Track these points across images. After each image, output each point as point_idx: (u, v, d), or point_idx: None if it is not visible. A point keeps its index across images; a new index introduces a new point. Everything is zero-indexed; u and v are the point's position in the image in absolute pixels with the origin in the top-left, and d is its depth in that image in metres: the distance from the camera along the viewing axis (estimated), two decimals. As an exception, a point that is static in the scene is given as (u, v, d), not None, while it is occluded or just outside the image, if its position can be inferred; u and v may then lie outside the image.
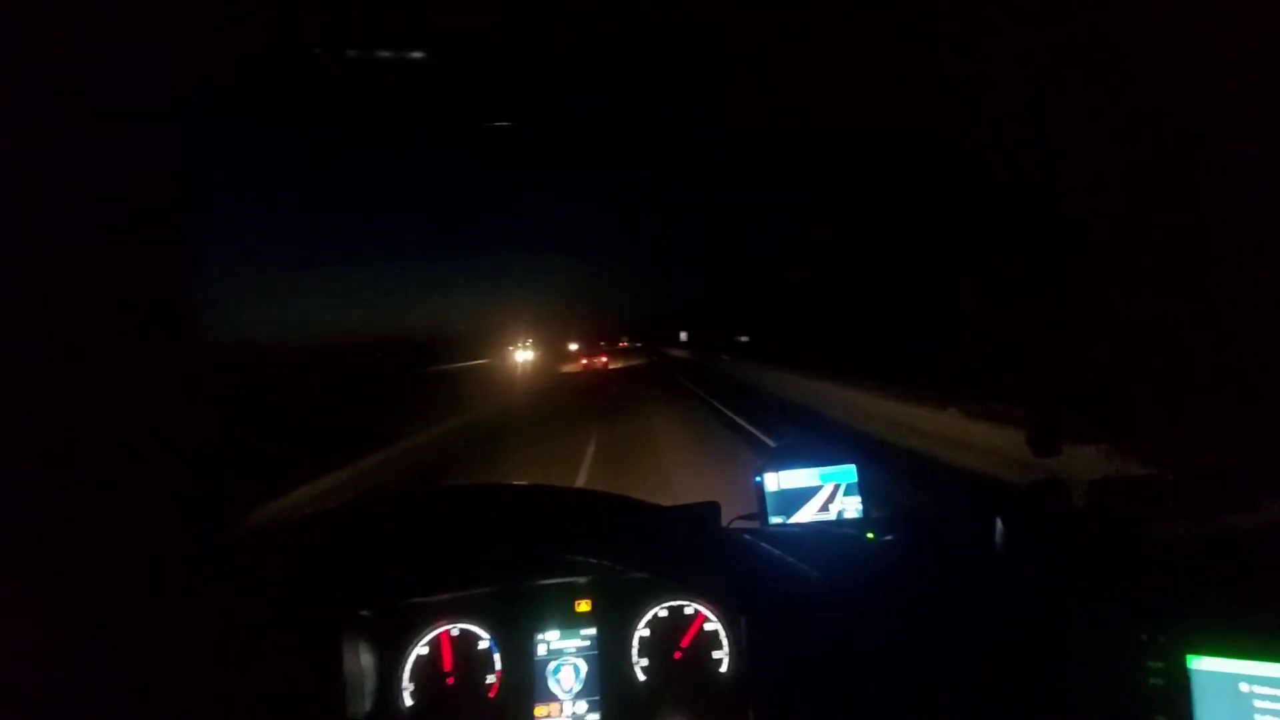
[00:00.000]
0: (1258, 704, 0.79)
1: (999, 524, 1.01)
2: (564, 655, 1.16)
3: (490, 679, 1.15)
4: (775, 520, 1.43)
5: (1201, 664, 0.82)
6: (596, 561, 1.12)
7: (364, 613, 1.11)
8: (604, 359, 41.31)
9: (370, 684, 1.11)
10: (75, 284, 0.93)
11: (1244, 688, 0.80)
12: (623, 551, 1.03)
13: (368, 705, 1.10)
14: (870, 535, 1.38)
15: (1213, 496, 1.31)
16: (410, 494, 1.13)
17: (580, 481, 7.68)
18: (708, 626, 1.17)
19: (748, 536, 0.90)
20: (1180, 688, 0.82)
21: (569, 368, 40.34)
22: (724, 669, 1.15)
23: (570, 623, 1.18)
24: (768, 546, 0.93)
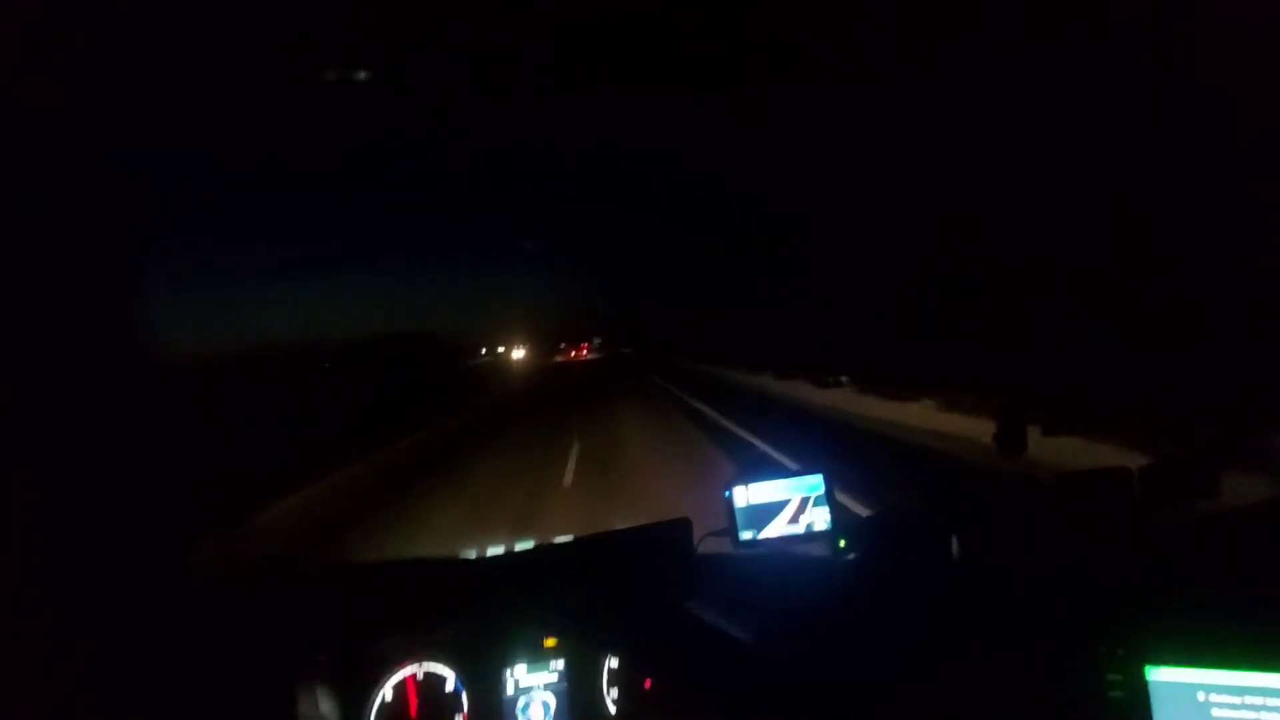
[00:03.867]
0: (1215, 712, 0.79)
1: (954, 541, 1.00)
2: (533, 691, 1.14)
3: None
4: (746, 535, 1.41)
5: (1160, 674, 0.81)
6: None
7: (322, 658, 1.08)
8: (584, 353, 64.71)
9: None
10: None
11: (1201, 696, 0.80)
12: (577, 625, 1.02)
13: None
14: (842, 543, 1.37)
15: (1176, 487, 1.31)
16: (357, 568, 1.10)
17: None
18: None
19: (698, 616, 0.88)
20: (1140, 698, 0.82)
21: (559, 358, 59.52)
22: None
23: (538, 657, 1.16)
24: (717, 626, 0.91)
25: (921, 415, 8.51)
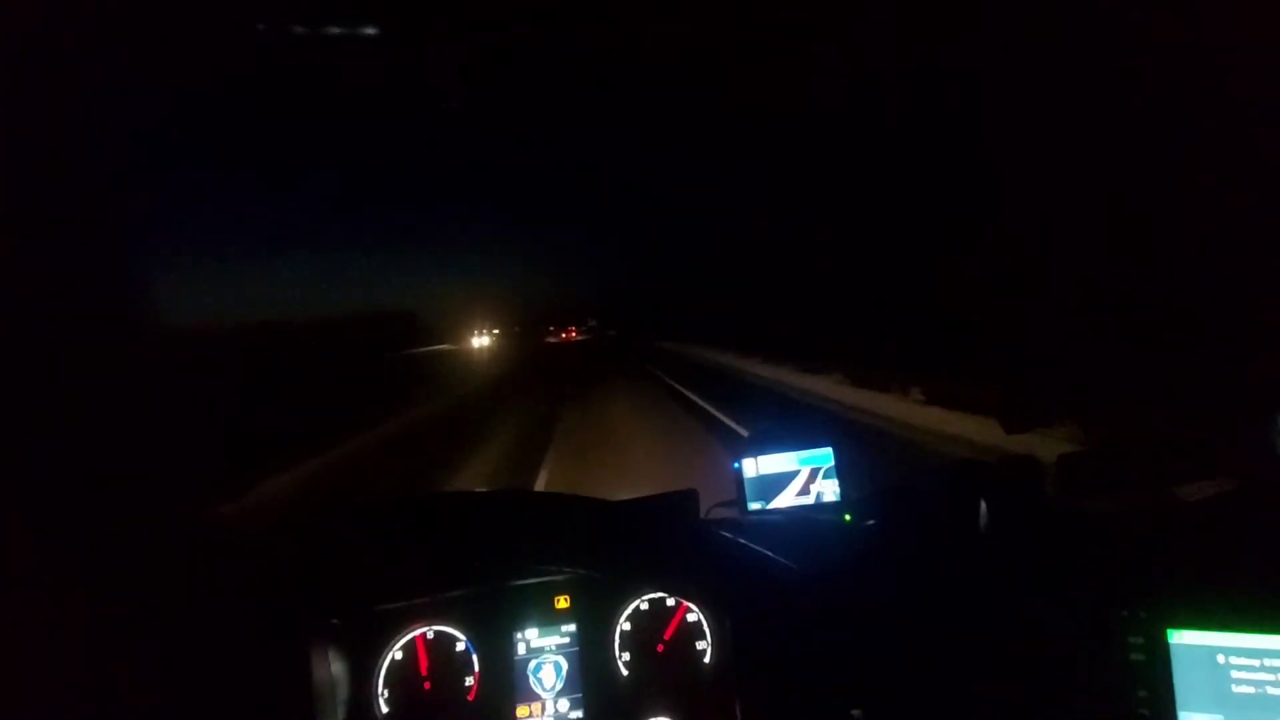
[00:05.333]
0: (1235, 674, 0.81)
1: (983, 505, 1.01)
2: (544, 653, 1.13)
3: (469, 681, 1.11)
4: (754, 506, 1.42)
5: (1181, 638, 0.83)
6: (571, 569, 1.10)
7: (334, 621, 1.06)
8: (573, 335, 74.74)
9: (343, 693, 1.07)
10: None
11: (1221, 659, 0.82)
12: (597, 561, 1.00)
13: (340, 715, 1.06)
14: (847, 517, 1.38)
15: (1173, 467, 1.34)
16: (377, 503, 1.07)
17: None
18: (690, 617, 1.15)
19: (725, 533, 0.87)
20: (1160, 661, 0.84)
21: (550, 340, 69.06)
22: (708, 660, 1.14)
23: (549, 620, 1.15)
24: (744, 542, 0.91)
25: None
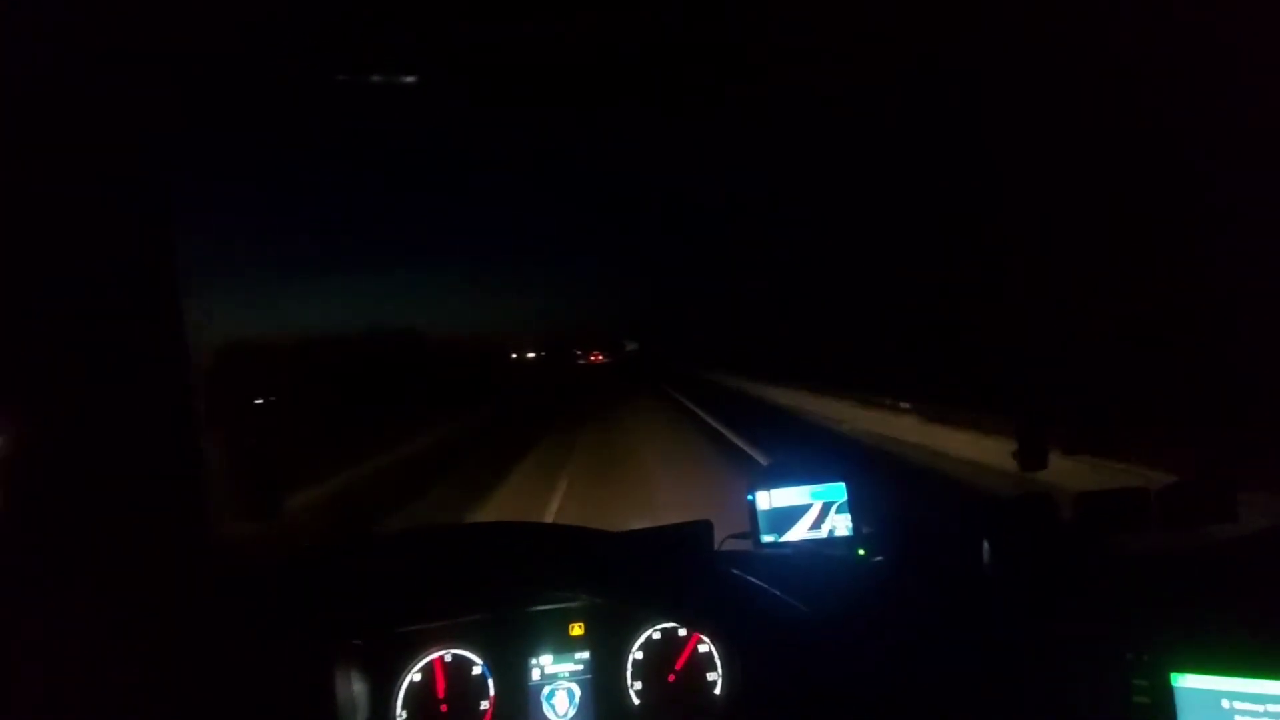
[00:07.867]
0: (1238, 719, 0.81)
1: (985, 545, 1.03)
2: (558, 680, 1.16)
3: (484, 705, 1.15)
4: (767, 538, 1.44)
5: (1185, 681, 0.84)
6: (583, 596, 1.13)
7: (356, 641, 1.11)
8: (599, 358, 75.59)
9: (363, 712, 1.11)
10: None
11: (1225, 704, 0.82)
12: (610, 592, 1.04)
13: None
14: (861, 552, 1.39)
15: (1194, 508, 1.33)
16: (401, 532, 1.12)
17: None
18: (701, 649, 1.17)
19: (736, 571, 0.90)
20: (1165, 704, 0.84)
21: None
22: (718, 691, 1.15)
23: (564, 647, 1.18)
24: (757, 581, 0.94)
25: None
